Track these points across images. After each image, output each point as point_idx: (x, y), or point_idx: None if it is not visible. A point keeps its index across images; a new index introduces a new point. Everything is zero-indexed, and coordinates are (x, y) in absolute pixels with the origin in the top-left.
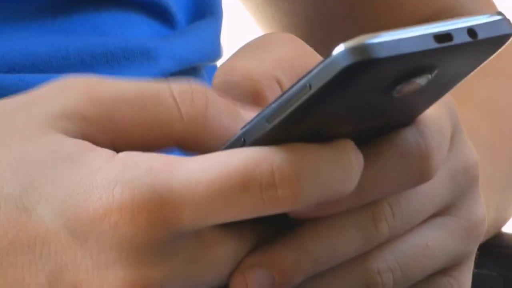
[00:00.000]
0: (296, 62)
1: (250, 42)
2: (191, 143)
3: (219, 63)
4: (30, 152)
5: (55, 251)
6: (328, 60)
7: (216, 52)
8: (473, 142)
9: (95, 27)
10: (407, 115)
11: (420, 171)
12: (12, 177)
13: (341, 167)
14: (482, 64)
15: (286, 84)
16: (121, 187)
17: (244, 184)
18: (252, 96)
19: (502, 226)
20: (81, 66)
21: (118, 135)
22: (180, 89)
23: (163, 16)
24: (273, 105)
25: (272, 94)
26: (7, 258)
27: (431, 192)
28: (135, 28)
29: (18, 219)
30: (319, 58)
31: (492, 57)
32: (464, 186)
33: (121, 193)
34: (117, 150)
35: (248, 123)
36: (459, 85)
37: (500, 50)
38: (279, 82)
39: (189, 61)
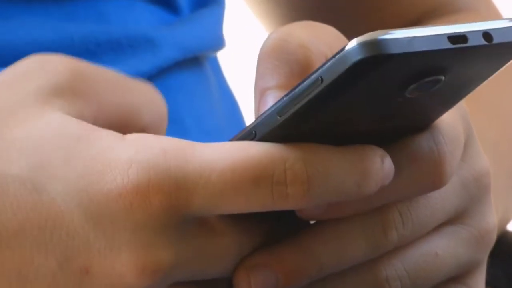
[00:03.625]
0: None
1: (301, 22)
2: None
3: (221, 53)
4: (33, 132)
5: (67, 233)
6: (341, 54)
7: (219, 41)
8: (480, 142)
9: (99, 14)
10: (421, 120)
11: (433, 177)
12: (18, 157)
13: (355, 172)
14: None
15: None
16: (136, 167)
17: (256, 178)
18: (303, 65)
19: (507, 225)
20: (86, 54)
21: (100, 113)
22: (149, 88)
23: (166, 3)
24: (286, 98)
25: None
26: (16, 240)
27: (442, 200)
28: (138, 15)
29: (28, 200)
30: None
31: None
32: (475, 195)
33: (137, 174)
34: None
35: (260, 116)
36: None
37: None
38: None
39: (193, 50)
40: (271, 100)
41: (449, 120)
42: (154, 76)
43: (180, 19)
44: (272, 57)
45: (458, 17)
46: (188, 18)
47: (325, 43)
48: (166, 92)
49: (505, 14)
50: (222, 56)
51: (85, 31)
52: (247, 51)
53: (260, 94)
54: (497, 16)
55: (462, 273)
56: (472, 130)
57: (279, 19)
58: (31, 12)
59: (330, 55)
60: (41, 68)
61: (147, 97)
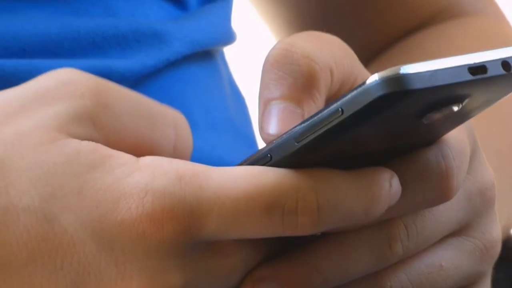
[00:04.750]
0: (344, 61)
1: (305, 32)
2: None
3: (232, 47)
4: (46, 160)
5: (78, 261)
6: (362, 88)
7: (229, 36)
8: (483, 149)
9: (106, 8)
10: (431, 137)
11: (440, 191)
12: (29, 188)
13: (364, 199)
14: None
15: (336, 77)
16: (152, 196)
17: (268, 207)
18: (307, 76)
19: (510, 230)
20: (92, 48)
21: (116, 145)
22: (180, 121)
23: None
24: (304, 125)
25: (325, 81)
26: (26, 269)
27: (447, 213)
28: (146, 9)
29: (39, 230)
30: (360, 64)
31: None
32: (480, 208)
33: (152, 202)
34: None
35: (276, 139)
36: None
37: None
38: (331, 73)
39: (201, 44)
40: (275, 110)
41: (456, 134)
42: (161, 69)
43: (188, 14)
44: (276, 67)
45: (466, 22)
46: (196, 12)
47: (330, 54)
48: (173, 85)
49: (507, 15)
50: (228, 54)
51: (91, 24)
52: (252, 49)
53: (264, 104)
54: (503, 18)
55: (466, 285)
56: (477, 143)
57: (285, 24)
58: (37, 8)
59: (334, 66)
60: (63, 90)
61: (171, 133)
